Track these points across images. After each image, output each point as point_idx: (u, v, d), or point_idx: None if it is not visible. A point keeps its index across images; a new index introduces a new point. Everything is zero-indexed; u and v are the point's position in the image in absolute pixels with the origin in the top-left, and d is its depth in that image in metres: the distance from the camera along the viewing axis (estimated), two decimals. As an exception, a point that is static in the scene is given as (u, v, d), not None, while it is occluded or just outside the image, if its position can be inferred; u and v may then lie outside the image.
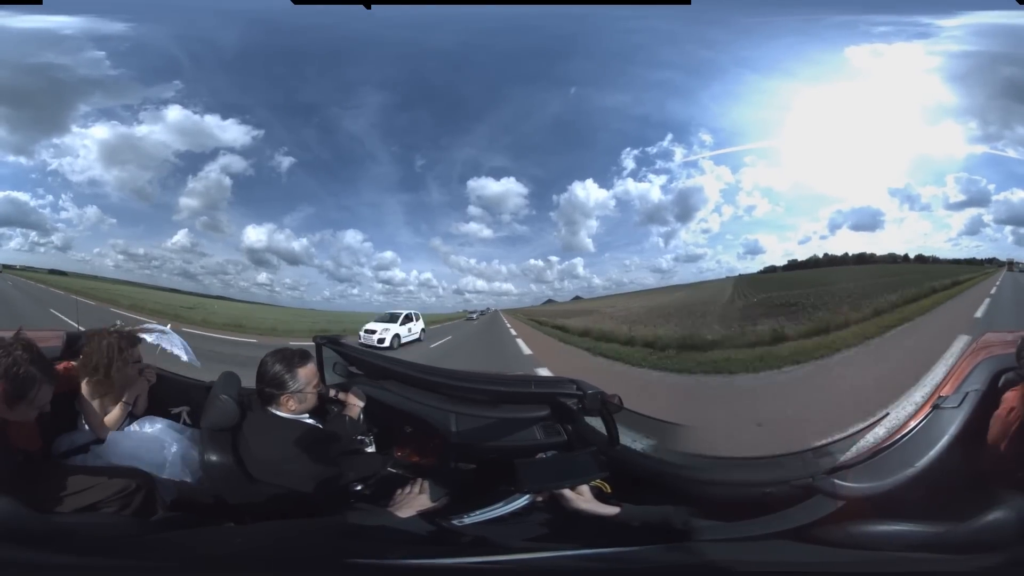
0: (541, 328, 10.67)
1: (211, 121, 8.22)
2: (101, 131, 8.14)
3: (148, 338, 2.77)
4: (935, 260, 8.60)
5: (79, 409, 2.55)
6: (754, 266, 8.82)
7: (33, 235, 8.70)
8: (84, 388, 2.55)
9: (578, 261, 9.83)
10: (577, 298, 10.08)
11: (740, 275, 8.94)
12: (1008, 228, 8.36)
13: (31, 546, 1.96)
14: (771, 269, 8.71)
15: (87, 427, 2.55)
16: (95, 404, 2.56)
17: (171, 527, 2.34)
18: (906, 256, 8.61)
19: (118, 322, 2.80)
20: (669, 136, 8.59)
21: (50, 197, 8.57)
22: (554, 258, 9.95)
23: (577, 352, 9.09)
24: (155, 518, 2.35)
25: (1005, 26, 6.84)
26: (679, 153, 8.59)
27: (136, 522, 2.29)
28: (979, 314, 7.59)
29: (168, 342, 2.85)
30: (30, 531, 2.02)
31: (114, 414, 2.57)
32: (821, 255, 8.57)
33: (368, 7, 5.58)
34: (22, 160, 8.17)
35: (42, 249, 8.76)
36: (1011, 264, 8.74)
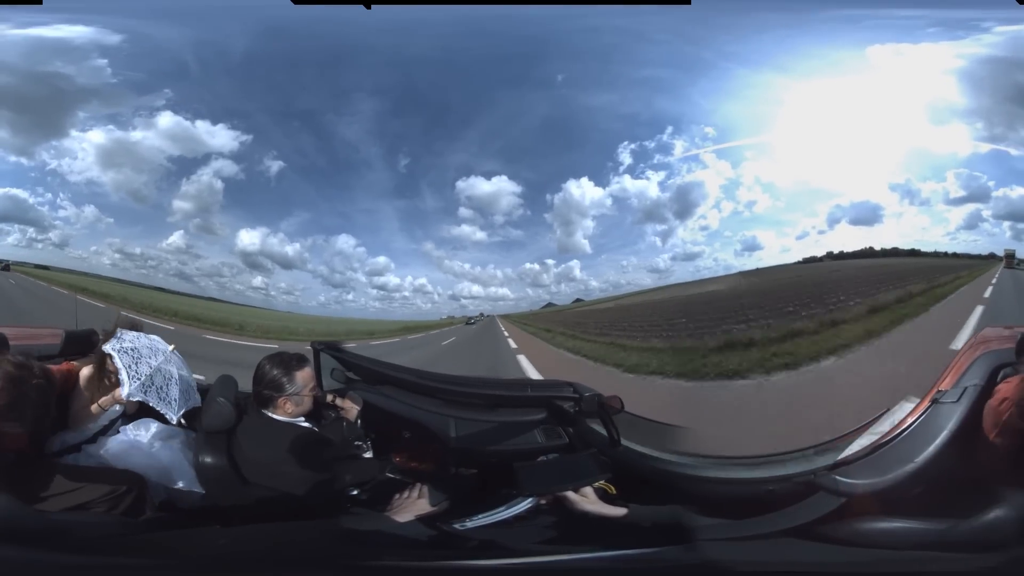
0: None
1: (202, 126, 8.28)
2: (98, 135, 8.23)
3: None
4: (935, 255, 8.50)
5: (71, 407, 2.51)
6: (751, 263, 8.77)
7: (31, 231, 8.81)
8: (81, 386, 2.53)
9: (575, 264, 9.79)
10: (578, 300, 10.06)
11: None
12: (1007, 224, 8.31)
13: (23, 544, 1.94)
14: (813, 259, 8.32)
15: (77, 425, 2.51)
16: (87, 402, 2.52)
17: (162, 529, 2.33)
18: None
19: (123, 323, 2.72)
20: (669, 129, 8.53)
21: (49, 195, 8.68)
22: (550, 261, 9.91)
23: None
24: (145, 520, 2.33)
25: (1008, 29, 6.85)
26: (679, 147, 8.54)
27: (125, 524, 2.26)
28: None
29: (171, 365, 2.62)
30: (23, 529, 2.01)
31: (87, 412, 2.49)
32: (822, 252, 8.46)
33: (368, 7, 5.58)
34: (23, 160, 8.28)
35: (39, 245, 8.89)
36: (1009, 258, 8.15)
